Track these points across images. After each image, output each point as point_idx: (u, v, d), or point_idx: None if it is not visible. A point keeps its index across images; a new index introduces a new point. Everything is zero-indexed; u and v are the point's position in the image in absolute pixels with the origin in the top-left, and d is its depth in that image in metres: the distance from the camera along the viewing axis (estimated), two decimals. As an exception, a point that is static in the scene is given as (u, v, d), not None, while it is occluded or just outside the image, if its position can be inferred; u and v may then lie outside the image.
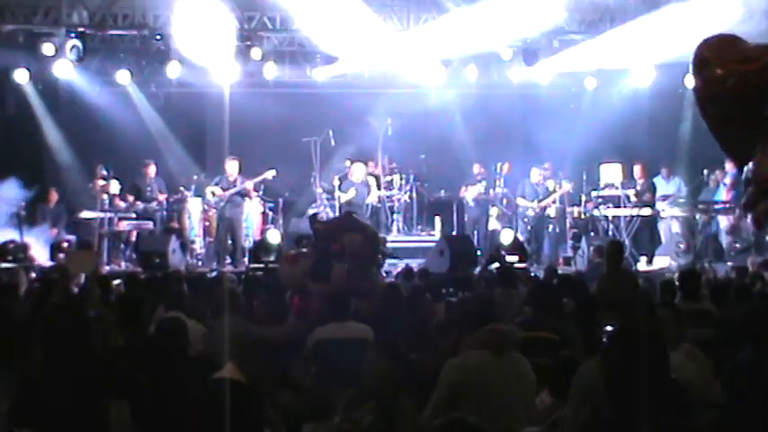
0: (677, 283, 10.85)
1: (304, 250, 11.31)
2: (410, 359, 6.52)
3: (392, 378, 6.02)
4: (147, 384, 6.44)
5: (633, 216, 19.19)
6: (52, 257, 16.82)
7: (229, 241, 19.19)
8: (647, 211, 19.30)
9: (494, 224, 19.92)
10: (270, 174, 19.13)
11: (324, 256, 11.10)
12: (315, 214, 14.20)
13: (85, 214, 18.45)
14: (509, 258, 16.96)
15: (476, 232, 20.09)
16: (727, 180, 19.56)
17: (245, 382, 5.47)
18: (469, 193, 20.21)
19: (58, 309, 6.81)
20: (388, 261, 16.41)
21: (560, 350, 7.53)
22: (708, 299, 10.28)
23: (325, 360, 7.85)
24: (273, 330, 8.78)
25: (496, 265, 15.45)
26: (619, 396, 4.56)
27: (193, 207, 19.20)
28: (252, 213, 19.45)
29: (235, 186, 18.94)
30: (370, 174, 20.23)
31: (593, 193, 19.63)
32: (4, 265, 15.56)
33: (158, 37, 18.73)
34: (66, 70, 19.10)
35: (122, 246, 18.86)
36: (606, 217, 19.29)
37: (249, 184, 18.97)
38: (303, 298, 10.50)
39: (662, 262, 18.82)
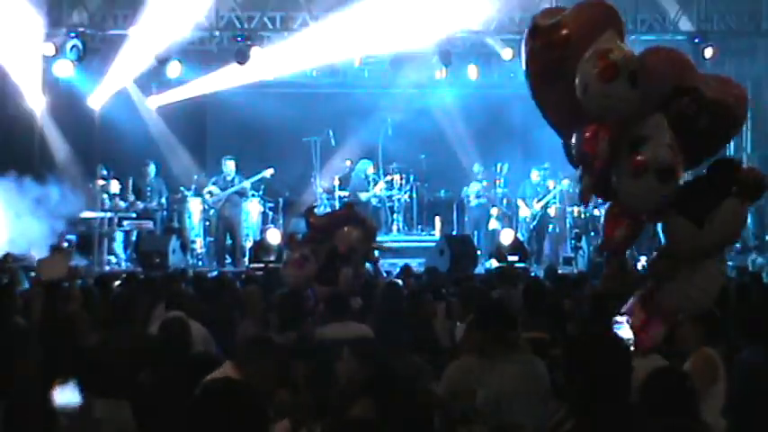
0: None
1: (304, 252, 11.26)
2: (386, 361, 6.47)
3: (356, 379, 5.99)
4: (148, 384, 6.45)
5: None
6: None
7: (228, 241, 19.26)
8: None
9: (494, 224, 19.93)
10: (268, 172, 19.17)
11: (330, 259, 11.09)
12: (311, 207, 14.20)
13: (86, 214, 18.44)
14: (510, 258, 16.99)
15: (476, 232, 20.11)
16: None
17: (244, 381, 5.47)
18: (472, 189, 20.24)
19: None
20: (389, 261, 16.40)
21: (551, 350, 7.49)
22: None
23: (325, 360, 7.85)
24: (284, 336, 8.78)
25: (497, 264, 15.50)
26: (576, 400, 4.55)
27: (194, 207, 19.21)
28: (252, 213, 19.46)
29: (233, 186, 18.98)
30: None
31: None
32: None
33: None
34: (66, 70, 19.11)
35: (122, 246, 18.84)
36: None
37: (246, 183, 19.02)
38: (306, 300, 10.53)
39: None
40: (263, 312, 9.45)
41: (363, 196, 19.78)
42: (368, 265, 12.09)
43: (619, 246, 7.03)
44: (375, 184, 20.16)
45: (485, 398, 6.23)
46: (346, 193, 19.86)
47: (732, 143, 22.16)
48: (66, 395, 6.01)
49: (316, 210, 15.11)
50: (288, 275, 11.21)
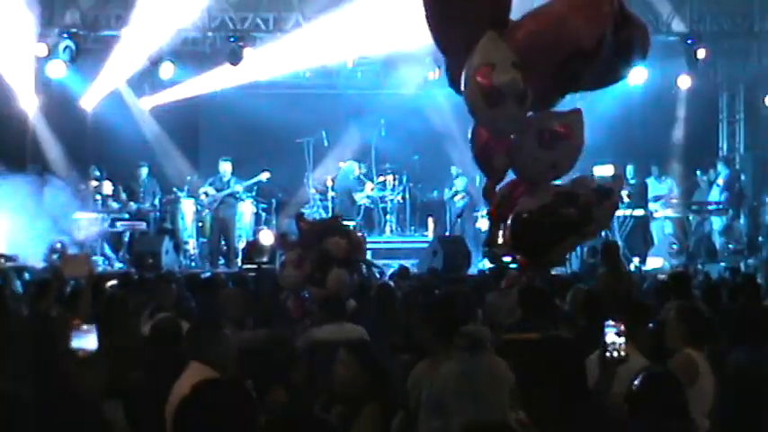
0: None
1: (301, 252, 11.28)
2: (383, 363, 6.45)
3: (357, 381, 5.98)
4: (141, 384, 6.44)
5: (626, 217, 19.20)
6: (46, 259, 16.76)
7: (222, 242, 19.26)
8: (639, 212, 19.31)
9: (486, 224, 19.89)
10: (264, 176, 19.17)
11: (321, 260, 11.07)
12: (301, 213, 14.27)
13: (78, 215, 18.39)
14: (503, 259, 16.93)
15: (464, 233, 20.08)
16: (720, 181, 19.61)
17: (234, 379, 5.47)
18: (458, 200, 20.28)
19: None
20: (383, 262, 16.39)
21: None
22: (700, 300, 10.27)
23: (319, 361, 7.84)
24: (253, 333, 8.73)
25: (490, 265, 15.45)
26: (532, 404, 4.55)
27: (186, 208, 19.18)
28: (245, 214, 19.44)
29: (228, 187, 18.98)
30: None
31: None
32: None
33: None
34: (58, 71, 19.06)
35: (116, 246, 18.81)
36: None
37: (239, 187, 19.01)
38: (302, 300, 10.52)
39: (655, 263, 18.83)
40: (244, 314, 9.37)
41: (357, 197, 19.79)
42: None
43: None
44: (365, 185, 20.17)
45: (426, 397, 6.17)
46: (335, 194, 19.87)
47: (726, 144, 22.24)
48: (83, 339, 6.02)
49: (305, 215, 15.14)
50: (286, 275, 11.20)
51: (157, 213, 19.44)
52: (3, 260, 15.82)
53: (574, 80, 6.75)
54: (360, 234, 14.44)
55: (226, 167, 19.13)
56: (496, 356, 6.46)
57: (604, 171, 19.84)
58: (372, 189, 20.21)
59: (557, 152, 6.82)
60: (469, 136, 7.14)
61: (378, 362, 6.24)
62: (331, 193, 19.88)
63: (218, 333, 6.17)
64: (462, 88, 6.64)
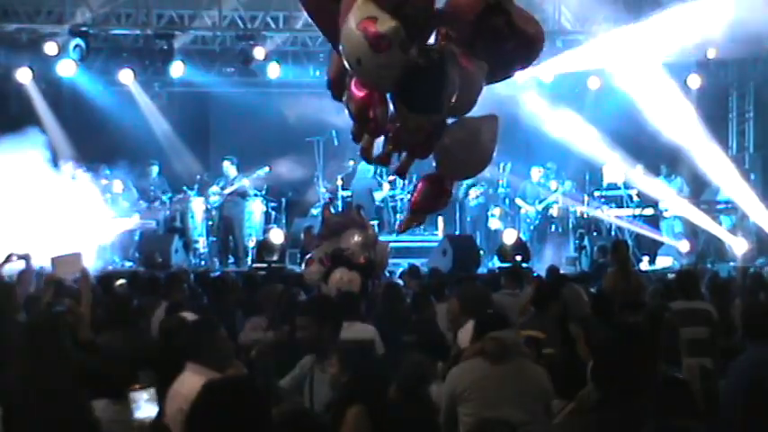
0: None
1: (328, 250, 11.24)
2: (372, 365, 6.44)
3: (338, 382, 5.98)
4: (148, 383, 6.46)
5: (636, 216, 19.19)
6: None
7: (231, 241, 19.29)
8: (649, 211, 19.30)
9: (497, 224, 19.89)
10: (263, 171, 19.12)
11: (334, 260, 11.07)
12: (329, 201, 14.26)
13: (93, 215, 18.42)
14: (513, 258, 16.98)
15: (477, 232, 20.07)
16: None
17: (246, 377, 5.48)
18: (473, 194, 20.21)
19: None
20: (391, 261, 16.38)
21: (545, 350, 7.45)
22: (707, 298, 10.28)
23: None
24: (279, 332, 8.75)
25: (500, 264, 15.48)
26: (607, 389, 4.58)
27: (196, 206, 19.22)
28: (255, 213, 19.46)
29: (232, 185, 19.00)
30: None
31: (596, 193, 19.63)
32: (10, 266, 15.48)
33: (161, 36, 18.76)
34: (69, 70, 19.11)
35: (125, 245, 18.84)
36: (609, 217, 19.30)
37: (246, 182, 19.03)
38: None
39: (664, 262, 18.82)
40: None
41: (377, 196, 19.73)
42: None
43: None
44: (382, 185, 20.13)
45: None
46: (351, 192, 19.82)
47: (735, 143, 22.20)
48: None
49: (331, 207, 15.13)
50: (313, 271, 11.19)
51: (167, 212, 19.47)
52: (15, 258, 15.81)
53: (491, 39, 6.88)
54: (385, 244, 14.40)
55: (228, 167, 19.17)
56: (534, 366, 6.46)
57: (614, 170, 19.89)
58: (389, 189, 20.09)
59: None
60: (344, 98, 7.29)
61: (362, 364, 6.21)
62: (342, 192, 19.79)
63: (216, 334, 6.14)
64: (341, 47, 6.74)
